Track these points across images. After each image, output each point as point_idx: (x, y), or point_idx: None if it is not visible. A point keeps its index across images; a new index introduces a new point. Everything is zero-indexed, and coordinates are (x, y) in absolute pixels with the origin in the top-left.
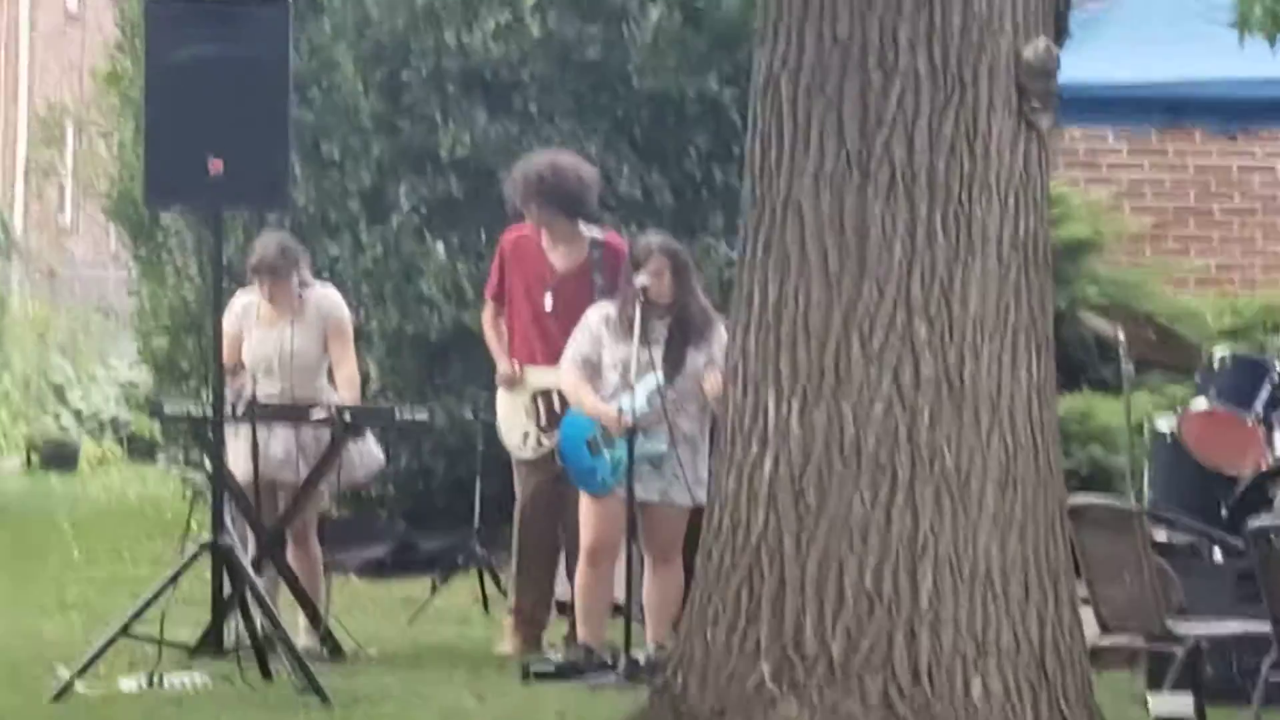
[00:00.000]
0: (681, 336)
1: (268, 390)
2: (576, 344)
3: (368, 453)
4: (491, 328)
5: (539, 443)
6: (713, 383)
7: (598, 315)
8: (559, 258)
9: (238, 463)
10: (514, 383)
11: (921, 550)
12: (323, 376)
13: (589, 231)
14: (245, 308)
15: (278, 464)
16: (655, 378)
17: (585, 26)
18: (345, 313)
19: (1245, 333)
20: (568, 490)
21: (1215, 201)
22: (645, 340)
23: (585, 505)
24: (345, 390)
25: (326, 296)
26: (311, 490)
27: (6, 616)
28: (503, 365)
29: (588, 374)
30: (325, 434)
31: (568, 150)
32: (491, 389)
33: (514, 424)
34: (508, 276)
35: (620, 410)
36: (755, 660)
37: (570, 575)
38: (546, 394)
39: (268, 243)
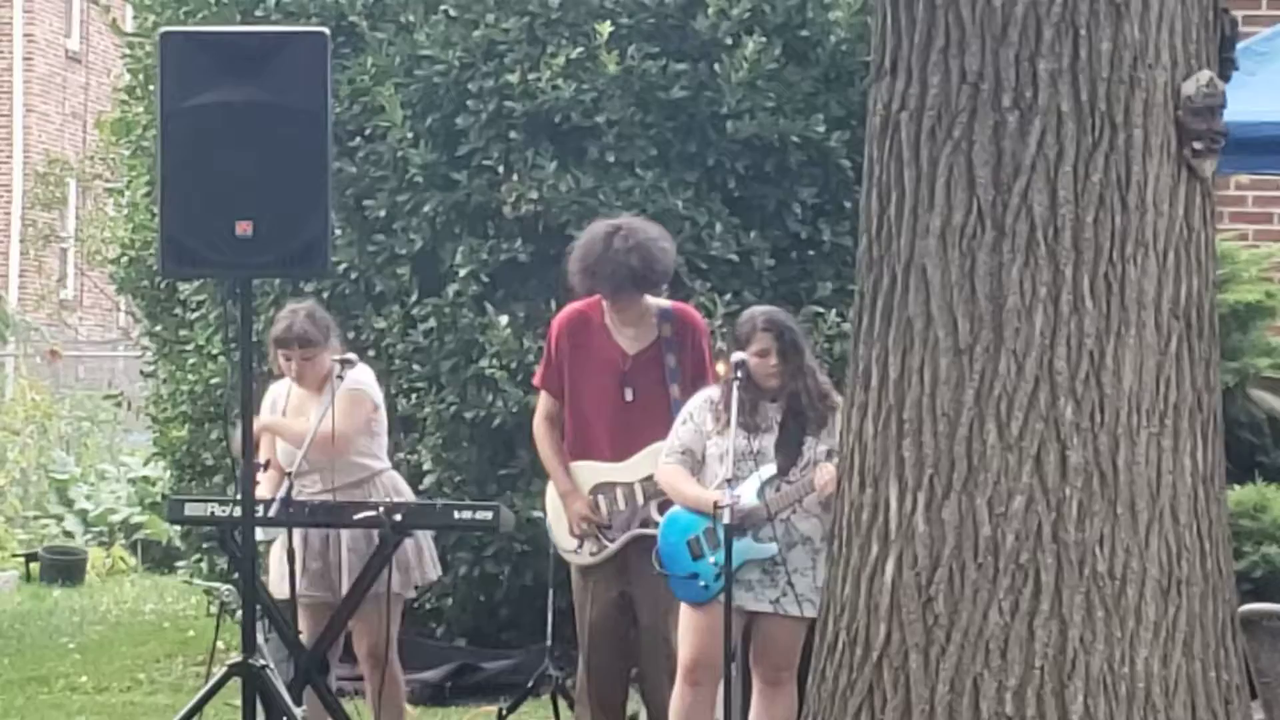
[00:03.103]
0: (796, 423)
1: (308, 489)
2: (676, 434)
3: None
4: (549, 440)
5: (600, 543)
6: (825, 475)
7: (700, 400)
8: (629, 339)
9: (273, 577)
10: (596, 525)
11: (1070, 668)
12: (359, 466)
13: (656, 302)
14: (275, 401)
15: (323, 579)
16: (766, 470)
17: (670, 62)
18: (361, 387)
19: None
20: (643, 600)
21: None
22: (754, 428)
23: (685, 616)
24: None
25: (354, 375)
26: (357, 600)
27: None
28: (577, 505)
29: (689, 466)
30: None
31: (632, 215)
32: None
33: (567, 523)
34: (566, 364)
35: (717, 504)
36: None
37: (645, 696)
38: (609, 487)
39: (294, 311)
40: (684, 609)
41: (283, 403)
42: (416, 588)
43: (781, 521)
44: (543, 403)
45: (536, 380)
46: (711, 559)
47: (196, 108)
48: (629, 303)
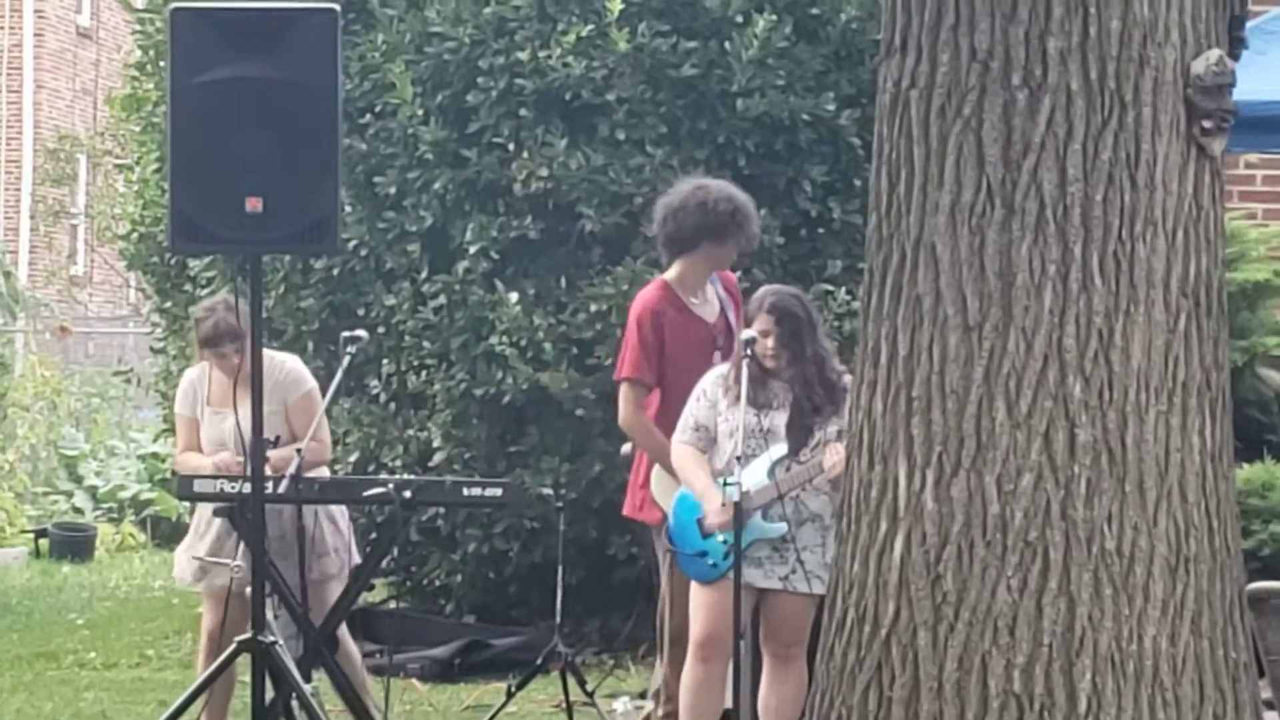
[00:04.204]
0: (806, 402)
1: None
2: (690, 410)
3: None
4: (649, 430)
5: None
6: (834, 457)
7: (713, 377)
8: (704, 310)
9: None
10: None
11: (1078, 645)
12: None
13: None
14: (195, 387)
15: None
16: (776, 450)
17: (680, 40)
18: (311, 384)
19: None
20: None
21: None
22: (765, 404)
23: (695, 594)
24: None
25: (283, 366)
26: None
27: None
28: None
29: (703, 444)
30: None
31: (645, 192)
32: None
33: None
34: (664, 349)
35: (726, 497)
36: None
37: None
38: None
39: (212, 308)
40: (694, 587)
41: (204, 391)
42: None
43: (791, 499)
44: (635, 396)
45: (628, 373)
46: (720, 537)
47: (207, 84)
48: (730, 261)
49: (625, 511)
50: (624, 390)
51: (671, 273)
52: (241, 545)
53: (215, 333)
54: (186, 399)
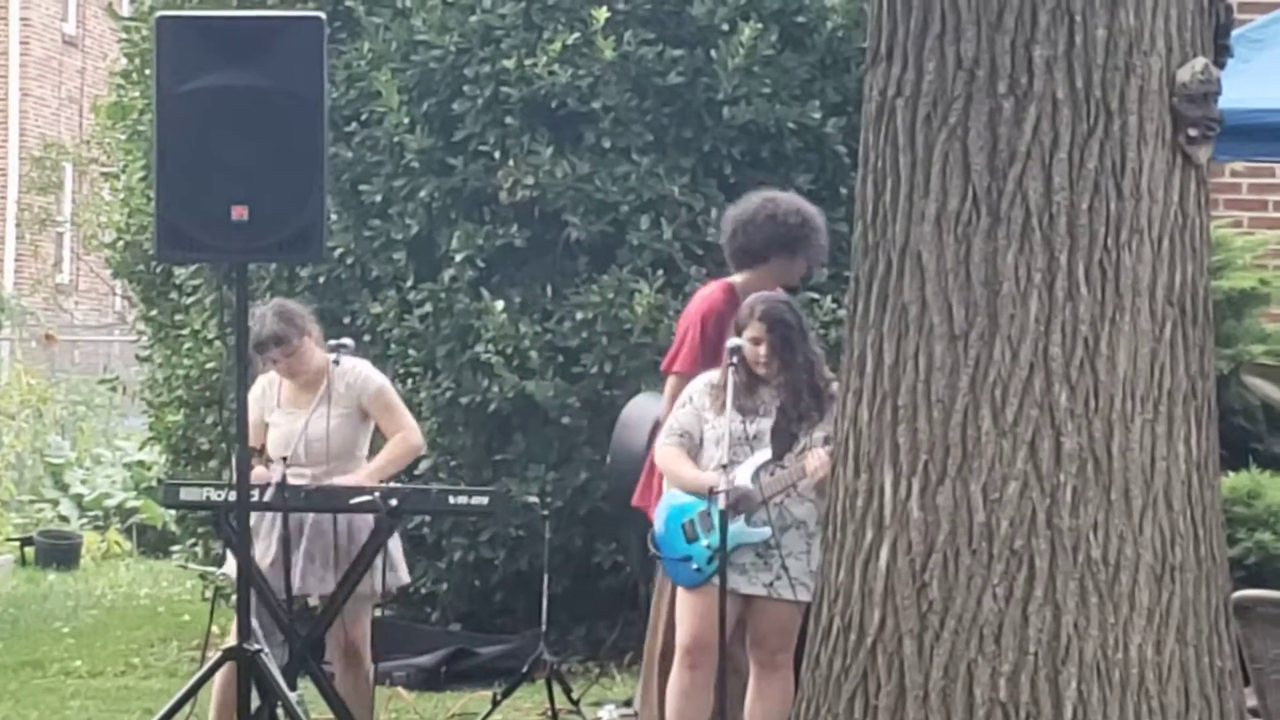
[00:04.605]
0: (793, 409)
1: (293, 483)
2: (676, 416)
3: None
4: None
5: None
6: (815, 461)
7: (700, 384)
8: None
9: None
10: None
11: (1064, 653)
12: (359, 465)
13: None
14: (265, 390)
15: (313, 579)
16: (761, 455)
17: (666, 48)
18: (381, 380)
19: None
20: None
21: None
22: (751, 411)
23: (681, 599)
24: (388, 450)
25: (354, 369)
26: (350, 587)
27: None
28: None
29: (687, 449)
30: (360, 533)
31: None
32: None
33: None
34: (714, 348)
35: (713, 489)
36: None
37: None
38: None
39: (263, 315)
40: (680, 592)
41: (274, 394)
42: (389, 591)
43: (775, 505)
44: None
45: (684, 368)
46: (705, 542)
47: (192, 92)
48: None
49: (634, 500)
50: (672, 384)
51: (738, 279)
52: (300, 551)
53: (259, 339)
54: (256, 403)
